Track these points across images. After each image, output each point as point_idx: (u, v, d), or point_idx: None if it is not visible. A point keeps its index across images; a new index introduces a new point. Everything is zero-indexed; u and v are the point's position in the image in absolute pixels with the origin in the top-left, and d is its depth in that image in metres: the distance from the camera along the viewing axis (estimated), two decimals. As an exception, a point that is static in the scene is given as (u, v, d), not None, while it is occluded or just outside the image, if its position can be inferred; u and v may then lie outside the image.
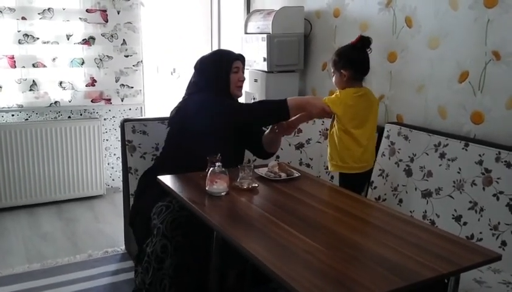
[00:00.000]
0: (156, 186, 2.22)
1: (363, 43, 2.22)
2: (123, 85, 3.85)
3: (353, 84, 2.23)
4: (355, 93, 2.21)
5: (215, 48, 4.54)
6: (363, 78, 2.27)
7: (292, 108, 2.17)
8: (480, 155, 2.07)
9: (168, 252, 1.97)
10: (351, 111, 2.20)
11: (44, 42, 3.54)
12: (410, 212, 2.29)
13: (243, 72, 2.37)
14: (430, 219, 2.20)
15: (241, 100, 3.66)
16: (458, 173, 2.13)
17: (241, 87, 2.36)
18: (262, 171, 2.11)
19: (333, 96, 2.24)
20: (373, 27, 2.79)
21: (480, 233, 2.00)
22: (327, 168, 2.88)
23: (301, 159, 2.99)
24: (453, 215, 2.12)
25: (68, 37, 3.61)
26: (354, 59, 2.22)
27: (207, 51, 4.52)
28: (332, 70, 2.30)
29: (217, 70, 2.30)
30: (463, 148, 2.14)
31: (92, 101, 3.77)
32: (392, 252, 1.39)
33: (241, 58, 2.36)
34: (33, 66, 3.54)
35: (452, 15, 2.31)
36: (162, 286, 1.99)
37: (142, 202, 2.28)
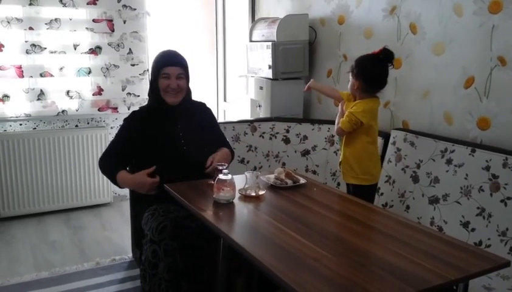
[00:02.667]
0: (144, 201, 2.26)
1: (385, 56, 2.14)
2: (129, 94, 3.87)
3: (366, 96, 2.21)
4: (373, 103, 2.21)
5: (220, 56, 4.57)
6: (378, 91, 2.23)
7: (123, 184, 2.21)
8: (487, 161, 2.06)
9: (159, 257, 1.99)
10: (375, 121, 2.22)
11: (51, 52, 3.57)
12: (418, 218, 2.29)
13: (179, 78, 2.27)
14: (438, 226, 2.19)
15: (246, 106, 3.71)
16: (465, 179, 2.13)
17: (172, 94, 2.28)
18: (268, 178, 2.12)
19: (361, 107, 2.18)
20: (377, 33, 2.80)
21: (488, 239, 1.99)
22: (333, 174, 2.89)
23: (307, 166, 2.99)
24: (461, 221, 2.11)
25: (75, 47, 3.64)
26: (368, 71, 2.17)
27: (212, 59, 4.59)
28: (350, 73, 2.27)
29: (152, 74, 2.33)
30: (469, 154, 2.14)
31: (98, 109, 3.80)
32: (400, 259, 1.39)
33: (175, 64, 2.27)
34: (41, 75, 3.58)
35: (456, 21, 2.31)
36: (160, 290, 2.00)
37: (138, 221, 2.30)
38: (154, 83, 2.31)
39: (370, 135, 2.24)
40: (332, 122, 2.91)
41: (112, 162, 2.27)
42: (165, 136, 2.30)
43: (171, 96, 2.29)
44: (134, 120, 2.35)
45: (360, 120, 2.16)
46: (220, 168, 1.91)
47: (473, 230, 2.06)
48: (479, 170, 2.08)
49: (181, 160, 2.25)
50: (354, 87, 2.21)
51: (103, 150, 2.41)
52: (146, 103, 2.52)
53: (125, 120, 2.40)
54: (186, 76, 2.33)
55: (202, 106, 2.52)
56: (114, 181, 2.23)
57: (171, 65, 2.27)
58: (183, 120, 2.35)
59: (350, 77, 2.25)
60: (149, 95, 2.41)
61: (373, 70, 2.18)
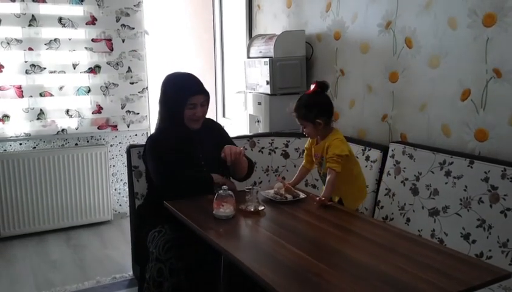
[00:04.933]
0: (151, 219, 2.25)
1: (322, 88, 2.17)
2: (128, 111, 3.90)
3: (328, 130, 2.20)
4: (338, 132, 2.22)
5: (219, 72, 4.60)
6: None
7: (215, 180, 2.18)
8: (485, 172, 2.07)
9: (164, 276, 1.98)
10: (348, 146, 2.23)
11: (51, 72, 3.61)
12: (418, 231, 2.29)
13: (203, 105, 2.28)
14: (439, 238, 2.19)
15: (244, 122, 3.73)
16: (465, 190, 2.13)
17: (196, 121, 2.28)
18: (268, 194, 2.12)
19: (337, 144, 2.15)
20: (373, 48, 2.83)
21: (489, 251, 1.99)
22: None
23: (306, 180, 2.99)
24: (461, 233, 2.11)
25: (74, 66, 3.68)
26: (325, 105, 2.18)
27: (210, 76, 4.63)
28: (300, 123, 2.22)
29: (173, 102, 2.24)
30: (468, 166, 2.15)
31: (98, 128, 3.82)
32: (401, 272, 1.39)
33: (200, 92, 2.25)
34: (40, 95, 3.60)
35: (451, 34, 2.34)
36: None
37: (142, 238, 2.29)
38: (177, 112, 2.23)
39: (352, 161, 2.25)
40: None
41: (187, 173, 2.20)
42: (187, 159, 2.26)
43: (195, 123, 2.29)
44: (161, 143, 2.28)
45: (345, 154, 2.14)
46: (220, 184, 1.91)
47: (474, 241, 2.06)
48: (478, 181, 2.09)
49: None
50: (319, 127, 2.16)
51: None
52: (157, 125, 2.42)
53: (155, 148, 2.29)
54: (208, 101, 2.31)
55: (213, 123, 2.51)
56: (207, 186, 2.14)
57: (197, 94, 2.24)
58: (202, 142, 2.33)
59: (305, 123, 2.19)
60: (164, 120, 2.32)
61: (326, 102, 2.19)
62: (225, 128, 2.62)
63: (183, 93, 2.23)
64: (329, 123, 2.20)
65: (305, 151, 2.35)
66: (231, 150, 2.16)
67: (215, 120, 4.58)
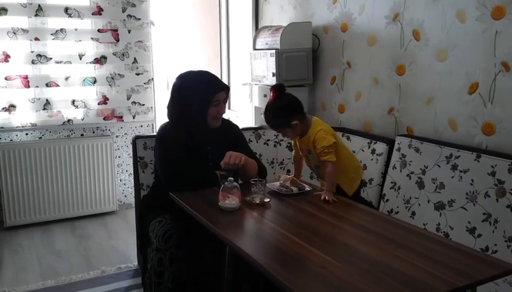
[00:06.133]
0: (155, 209, 2.25)
1: (280, 90, 2.14)
2: (134, 102, 3.90)
3: (307, 124, 2.17)
4: (319, 122, 2.19)
5: (224, 64, 4.59)
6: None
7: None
8: (492, 166, 2.06)
9: (164, 265, 1.99)
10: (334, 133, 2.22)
11: (57, 62, 3.61)
12: (423, 224, 2.28)
13: (225, 102, 2.27)
14: (444, 232, 2.19)
15: (250, 114, 3.73)
16: (471, 184, 2.12)
17: (218, 118, 2.26)
18: (274, 186, 2.12)
19: (322, 136, 2.13)
20: (380, 40, 2.81)
21: (495, 245, 1.98)
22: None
23: (311, 173, 2.99)
24: (467, 227, 2.10)
25: (80, 56, 3.68)
26: (291, 105, 2.14)
27: (216, 67, 4.62)
28: (277, 131, 2.23)
29: (199, 100, 2.19)
30: (475, 160, 2.14)
31: (104, 119, 3.82)
32: (406, 266, 1.39)
33: (223, 89, 2.25)
34: (46, 85, 3.61)
35: (459, 27, 2.32)
36: None
37: (145, 228, 2.29)
38: (201, 111, 2.20)
39: (339, 146, 2.23)
40: (336, 129, 2.92)
41: (194, 171, 2.18)
42: (195, 158, 2.22)
43: (218, 121, 2.26)
44: (171, 140, 2.24)
45: (333, 142, 2.13)
46: (226, 175, 1.92)
47: (479, 236, 2.05)
48: (485, 175, 2.08)
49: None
50: (297, 127, 2.14)
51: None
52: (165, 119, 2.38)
53: (164, 137, 2.27)
54: (227, 97, 2.29)
55: (229, 124, 2.46)
56: (214, 182, 2.12)
57: (221, 90, 2.22)
58: (213, 141, 2.29)
59: (283, 131, 2.19)
60: (181, 119, 2.26)
61: (290, 102, 2.15)
62: (241, 132, 2.53)
63: (209, 90, 2.20)
64: (304, 118, 2.17)
65: (293, 143, 2.33)
66: (230, 159, 2.13)
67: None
